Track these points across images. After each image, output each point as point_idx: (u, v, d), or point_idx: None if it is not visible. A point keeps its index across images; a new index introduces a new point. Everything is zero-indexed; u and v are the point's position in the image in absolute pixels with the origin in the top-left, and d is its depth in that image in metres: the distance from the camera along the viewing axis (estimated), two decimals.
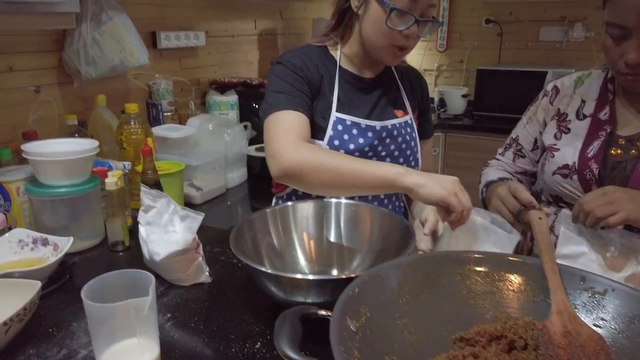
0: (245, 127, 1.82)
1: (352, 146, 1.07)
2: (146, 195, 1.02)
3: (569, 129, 1.07)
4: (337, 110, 1.09)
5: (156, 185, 1.26)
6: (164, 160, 1.54)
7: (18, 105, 1.47)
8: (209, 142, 1.74)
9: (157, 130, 1.63)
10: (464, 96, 2.94)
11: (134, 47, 1.59)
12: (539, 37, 2.89)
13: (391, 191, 0.90)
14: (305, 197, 1.14)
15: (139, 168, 1.45)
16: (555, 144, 1.07)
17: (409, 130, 1.14)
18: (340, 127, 1.08)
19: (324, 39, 1.17)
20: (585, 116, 1.05)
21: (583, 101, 1.07)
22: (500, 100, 2.73)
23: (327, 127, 1.07)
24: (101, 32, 1.51)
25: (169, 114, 1.88)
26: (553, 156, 1.06)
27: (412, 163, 1.15)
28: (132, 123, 1.50)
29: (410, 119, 1.16)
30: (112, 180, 1.11)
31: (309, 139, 1.02)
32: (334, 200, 0.98)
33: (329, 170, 0.91)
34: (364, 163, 0.91)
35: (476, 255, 0.67)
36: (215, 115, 1.92)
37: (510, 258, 0.68)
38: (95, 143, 1.15)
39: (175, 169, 1.47)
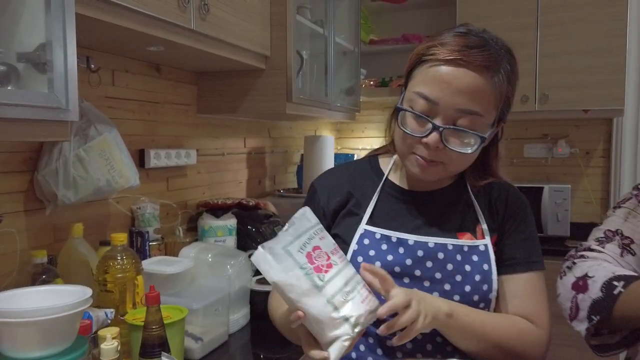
0: (251, 256, 1.53)
1: (378, 263, 0.90)
2: None
3: None
4: (367, 223, 0.95)
5: (161, 345, 0.94)
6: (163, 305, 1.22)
7: None
8: (209, 277, 1.43)
9: (147, 265, 1.32)
10: None
11: (124, 165, 1.34)
12: (524, 154, 2.90)
13: None
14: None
15: (130, 318, 1.12)
16: None
17: (474, 257, 0.91)
18: (366, 241, 0.93)
19: (380, 149, 1.08)
20: None
21: None
22: None
23: (351, 241, 0.93)
24: (88, 148, 1.26)
25: (155, 243, 1.57)
26: None
27: (473, 297, 0.90)
28: (118, 257, 1.19)
29: (485, 245, 0.93)
30: (111, 345, 0.78)
31: None
32: None
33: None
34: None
35: None
36: (211, 242, 1.64)
37: None
38: (88, 292, 0.83)
39: (175, 316, 1.14)
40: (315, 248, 0.79)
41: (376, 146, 3.55)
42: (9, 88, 0.85)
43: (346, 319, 0.74)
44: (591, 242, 0.98)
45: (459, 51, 0.83)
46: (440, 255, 0.91)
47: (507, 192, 0.99)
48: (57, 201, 1.24)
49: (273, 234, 1.82)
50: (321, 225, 0.83)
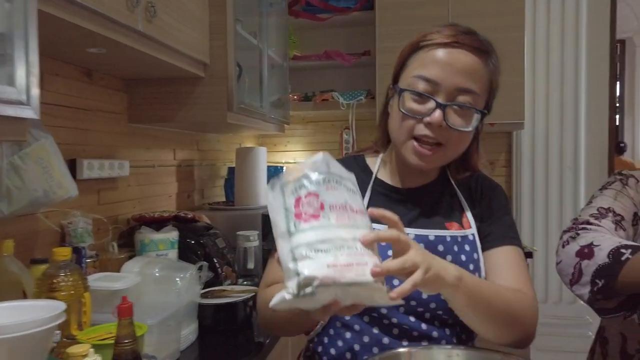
0: (201, 268, 1.48)
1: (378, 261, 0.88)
2: None
3: None
4: None
5: None
6: (107, 323, 1.13)
7: None
8: (156, 293, 1.35)
9: (91, 282, 1.21)
10: None
11: (62, 175, 1.23)
12: None
13: None
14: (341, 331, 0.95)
15: (84, 338, 1.02)
16: None
17: (466, 247, 0.96)
18: None
19: (366, 148, 1.08)
20: None
21: None
22: None
23: None
24: (24, 155, 1.14)
25: (89, 260, 1.45)
26: None
27: None
28: (62, 274, 1.09)
29: (473, 234, 0.98)
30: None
31: None
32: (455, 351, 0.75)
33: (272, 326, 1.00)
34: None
35: None
36: (154, 257, 1.54)
37: None
38: (60, 306, 0.76)
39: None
40: (311, 194, 0.70)
41: (300, 160, 3.60)
42: None
43: (297, 274, 0.65)
44: (587, 217, 1.05)
45: (454, 35, 0.90)
46: (440, 248, 0.93)
47: (484, 181, 1.05)
48: None
49: (215, 246, 1.77)
50: (341, 178, 0.73)
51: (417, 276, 0.69)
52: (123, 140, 1.77)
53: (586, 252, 0.95)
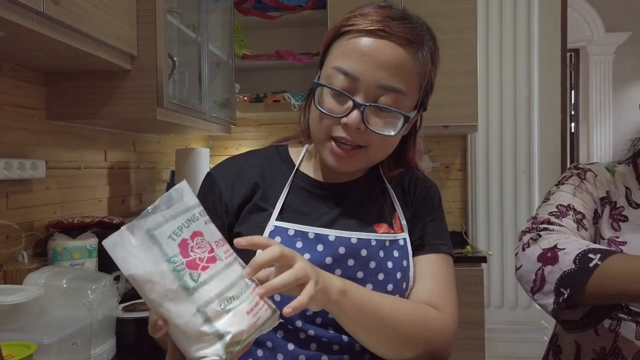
0: (117, 278, 1.33)
1: None
2: None
3: (625, 217, 0.94)
4: (277, 219, 0.84)
5: None
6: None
7: None
8: (63, 307, 1.20)
9: None
10: None
11: None
12: None
13: None
14: (252, 349, 0.83)
15: None
16: (617, 237, 0.92)
17: (395, 252, 0.86)
18: (278, 239, 0.81)
19: (290, 138, 0.97)
20: (638, 205, 0.95)
21: (627, 188, 0.97)
22: None
23: None
24: None
25: None
26: (622, 251, 0.89)
27: (395, 296, 0.84)
28: None
29: (404, 239, 0.88)
30: None
31: None
32: None
33: None
34: None
35: None
36: (67, 266, 1.39)
37: None
38: None
39: (20, 354, 0.91)
40: (196, 234, 0.60)
41: None
42: None
43: (220, 336, 0.57)
44: (546, 216, 0.94)
45: (380, 22, 0.78)
46: (363, 252, 0.83)
47: (417, 178, 0.95)
48: None
49: None
50: (203, 208, 0.64)
51: (310, 287, 0.64)
52: (39, 138, 1.60)
53: (549, 256, 0.83)
